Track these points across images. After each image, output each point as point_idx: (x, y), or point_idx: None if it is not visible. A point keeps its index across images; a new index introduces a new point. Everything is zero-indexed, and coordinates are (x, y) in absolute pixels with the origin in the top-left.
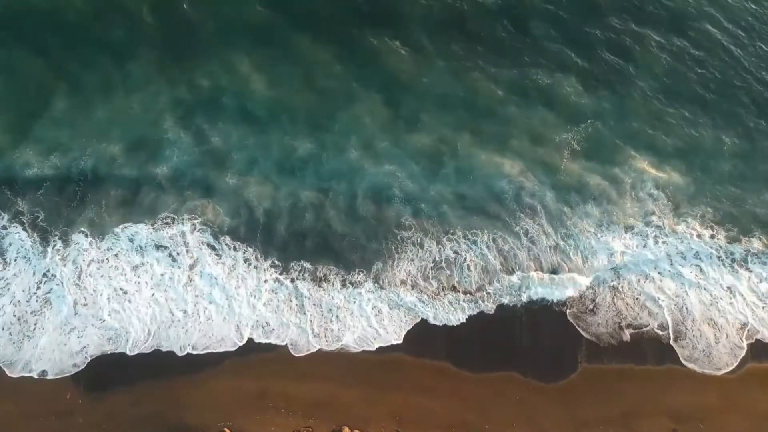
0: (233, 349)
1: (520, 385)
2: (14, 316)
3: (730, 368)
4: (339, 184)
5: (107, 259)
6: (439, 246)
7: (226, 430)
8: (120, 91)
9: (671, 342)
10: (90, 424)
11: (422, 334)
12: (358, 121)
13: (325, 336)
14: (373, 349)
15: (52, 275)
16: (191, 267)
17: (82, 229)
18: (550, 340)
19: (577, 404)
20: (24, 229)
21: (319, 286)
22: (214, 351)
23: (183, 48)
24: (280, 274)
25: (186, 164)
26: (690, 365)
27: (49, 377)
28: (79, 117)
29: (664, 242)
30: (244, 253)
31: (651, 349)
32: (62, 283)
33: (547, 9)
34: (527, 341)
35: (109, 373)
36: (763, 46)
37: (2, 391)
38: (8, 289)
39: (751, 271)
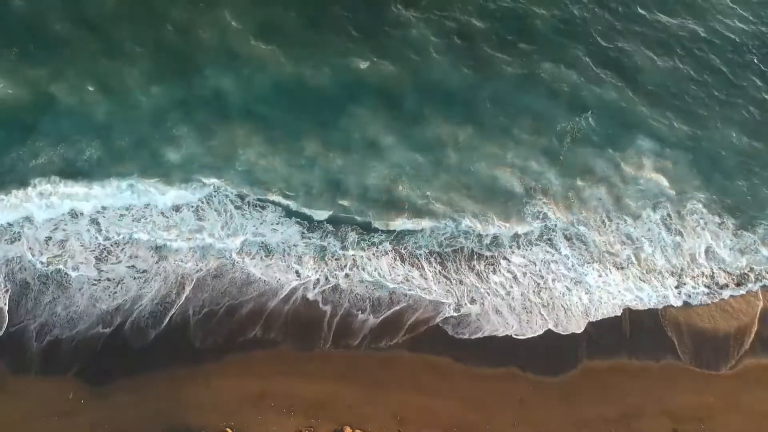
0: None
1: (521, 382)
2: (33, 266)
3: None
4: None
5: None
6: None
7: (227, 430)
8: None
9: None
10: (92, 424)
11: (424, 331)
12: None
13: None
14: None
15: (63, 228)
16: (224, 218)
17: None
18: (551, 336)
19: (578, 403)
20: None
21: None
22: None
23: None
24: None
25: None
26: None
27: (65, 346)
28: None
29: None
30: (273, 212)
31: (650, 346)
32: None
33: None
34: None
35: (111, 372)
36: None
37: (4, 391)
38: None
39: None
